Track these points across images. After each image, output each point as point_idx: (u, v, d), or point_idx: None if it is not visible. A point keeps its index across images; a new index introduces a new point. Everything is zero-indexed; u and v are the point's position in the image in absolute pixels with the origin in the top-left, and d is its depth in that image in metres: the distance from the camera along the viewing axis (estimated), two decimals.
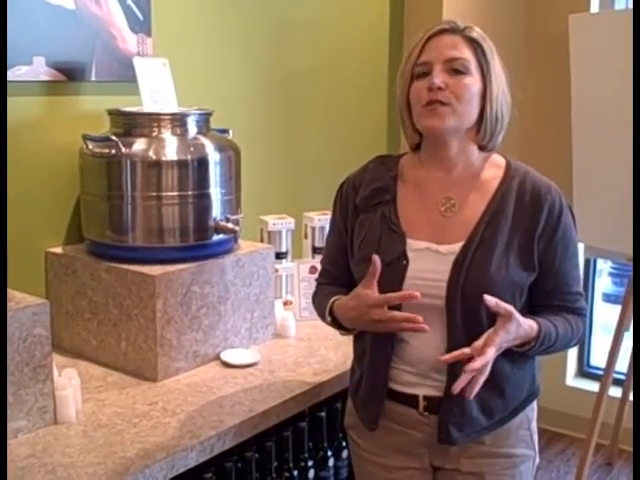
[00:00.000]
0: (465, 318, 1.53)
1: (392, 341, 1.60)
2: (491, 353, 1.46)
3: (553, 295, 1.61)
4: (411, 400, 1.61)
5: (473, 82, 1.54)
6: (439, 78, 1.52)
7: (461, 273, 1.54)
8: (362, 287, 1.54)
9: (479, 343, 1.48)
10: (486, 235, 1.56)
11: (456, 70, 1.53)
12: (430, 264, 1.57)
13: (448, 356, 1.49)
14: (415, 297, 1.47)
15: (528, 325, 1.52)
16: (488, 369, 1.48)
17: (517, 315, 1.49)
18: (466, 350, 1.48)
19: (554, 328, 1.57)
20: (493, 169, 1.63)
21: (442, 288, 1.54)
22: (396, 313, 1.50)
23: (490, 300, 1.46)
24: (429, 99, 1.53)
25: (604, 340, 3.48)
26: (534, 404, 1.70)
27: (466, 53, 1.54)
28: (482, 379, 1.47)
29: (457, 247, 1.56)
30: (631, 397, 3.18)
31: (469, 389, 1.47)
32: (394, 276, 1.56)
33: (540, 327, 1.55)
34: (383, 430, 1.66)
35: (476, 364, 1.45)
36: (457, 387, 1.46)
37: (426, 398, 1.60)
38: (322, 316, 1.71)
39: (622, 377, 3.24)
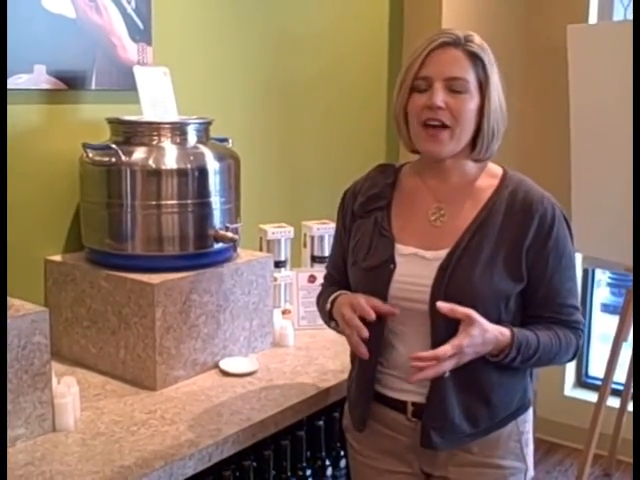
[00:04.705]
0: (449, 323, 1.51)
1: (379, 345, 1.61)
2: (443, 350, 1.47)
3: (544, 305, 1.60)
4: (400, 405, 1.63)
5: (472, 101, 1.55)
6: (439, 97, 1.52)
7: (445, 278, 1.55)
8: (367, 298, 1.56)
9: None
10: (472, 243, 1.56)
11: (455, 89, 1.53)
12: (416, 269, 1.58)
13: (416, 355, 1.49)
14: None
15: (498, 330, 1.52)
16: (442, 368, 1.48)
17: (479, 318, 1.49)
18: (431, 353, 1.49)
19: (534, 337, 1.55)
20: (489, 179, 1.64)
21: (426, 293, 1.55)
22: (377, 312, 1.54)
23: (444, 306, 1.48)
24: (428, 117, 1.54)
25: (602, 350, 3.48)
26: (526, 416, 1.68)
27: (467, 71, 1.54)
28: (431, 373, 1.48)
29: (443, 253, 1.57)
30: (629, 407, 3.18)
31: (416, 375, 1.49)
32: (381, 279, 1.59)
33: (513, 333, 1.53)
34: (375, 433, 1.68)
35: (420, 353, 1.48)
36: (416, 360, 1.48)
37: (414, 404, 1.61)
38: (324, 312, 1.72)
39: (620, 387, 3.24)
